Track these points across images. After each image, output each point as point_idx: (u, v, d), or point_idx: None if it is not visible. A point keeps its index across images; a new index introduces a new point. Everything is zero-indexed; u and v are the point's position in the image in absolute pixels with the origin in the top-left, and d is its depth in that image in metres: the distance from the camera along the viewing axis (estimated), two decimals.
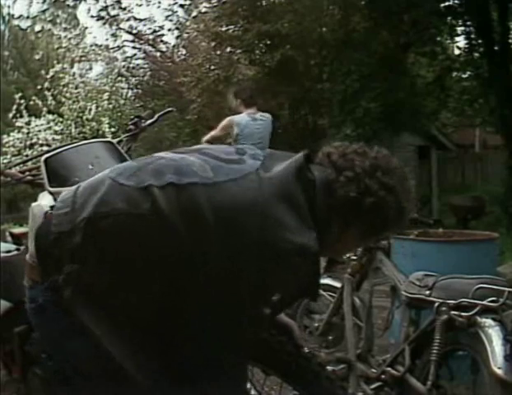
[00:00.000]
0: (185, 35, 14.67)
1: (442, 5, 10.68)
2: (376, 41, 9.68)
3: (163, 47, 15.10)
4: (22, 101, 14.24)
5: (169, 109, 3.96)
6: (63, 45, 16.20)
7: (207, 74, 10.66)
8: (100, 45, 15.99)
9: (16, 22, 22.04)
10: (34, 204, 2.73)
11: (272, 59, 9.82)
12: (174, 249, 1.52)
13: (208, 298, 1.52)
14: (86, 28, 20.25)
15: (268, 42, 10.20)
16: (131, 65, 14.96)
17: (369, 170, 1.61)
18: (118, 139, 3.02)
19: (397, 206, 1.65)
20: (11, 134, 13.66)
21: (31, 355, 2.62)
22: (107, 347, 1.57)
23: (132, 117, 3.25)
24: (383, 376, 2.95)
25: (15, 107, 14.27)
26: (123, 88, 14.66)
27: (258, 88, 10.34)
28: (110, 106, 13.91)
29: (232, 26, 10.63)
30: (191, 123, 13.83)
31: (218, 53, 11.14)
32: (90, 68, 16.99)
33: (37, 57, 21.11)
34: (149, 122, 3.16)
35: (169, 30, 15.28)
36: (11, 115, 14.40)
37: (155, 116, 3.20)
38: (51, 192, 2.56)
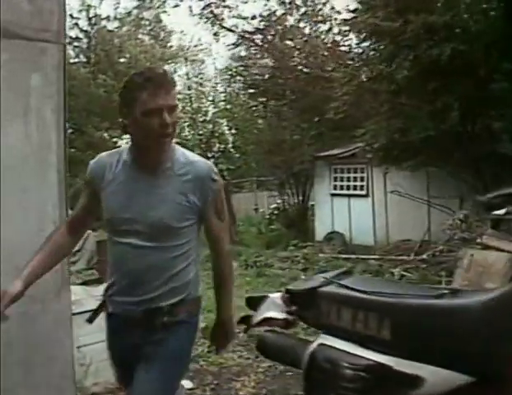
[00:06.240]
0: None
1: None
2: None
3: (289, 43, 14.18)
4: None
5: None
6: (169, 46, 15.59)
7: (358, 71, 9.68)
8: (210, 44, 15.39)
9: (103, 23, 21.40)
10: None
11: (441, 54, 8.75)
12: None
13: None
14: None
15: (435, 37, 9.11)
16: (245, 63, 14.14)
17: None
18: None
19: None
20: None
21: None
22: None
23: None
24: None
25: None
26: (239, 89, 13.82)
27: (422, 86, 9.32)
28: (228, 107, 13.13)
29: (389, 21, 9.54)
30: (314, 126, 13.10)
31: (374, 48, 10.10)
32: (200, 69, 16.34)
33: (122, 60, 20.56)
34: None
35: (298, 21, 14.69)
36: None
37: None
38: None
